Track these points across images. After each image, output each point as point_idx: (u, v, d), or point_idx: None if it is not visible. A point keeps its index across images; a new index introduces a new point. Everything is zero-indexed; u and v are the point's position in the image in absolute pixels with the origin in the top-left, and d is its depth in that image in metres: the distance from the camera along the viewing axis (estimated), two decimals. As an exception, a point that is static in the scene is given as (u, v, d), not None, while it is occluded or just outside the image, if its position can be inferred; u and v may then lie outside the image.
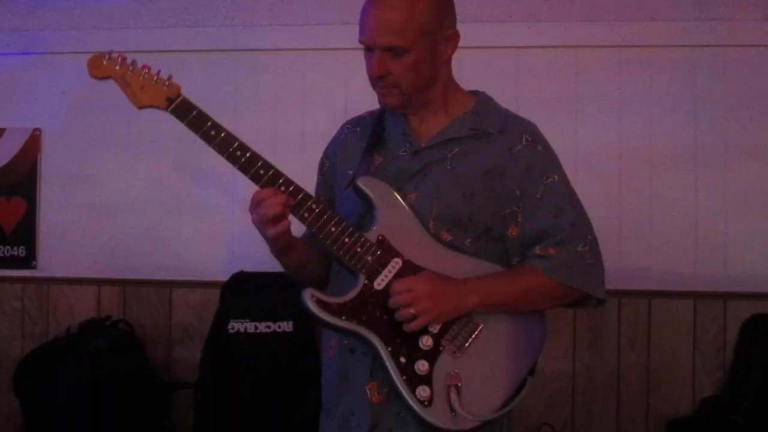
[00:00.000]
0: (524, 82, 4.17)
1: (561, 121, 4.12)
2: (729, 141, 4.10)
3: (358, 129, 2.70)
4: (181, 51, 4.32)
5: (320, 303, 2.40)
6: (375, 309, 2.41)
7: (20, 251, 4.48)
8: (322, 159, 2.76)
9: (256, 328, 4.09)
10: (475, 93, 2.66)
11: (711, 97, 4.12)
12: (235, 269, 4.19)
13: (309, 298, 2.39)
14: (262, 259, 4.13)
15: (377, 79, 2.47)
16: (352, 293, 2.43)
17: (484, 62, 4.04)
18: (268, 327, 4.09)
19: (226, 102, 4.29)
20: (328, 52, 4.26)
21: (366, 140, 2.62)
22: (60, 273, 4.47)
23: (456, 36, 2.52)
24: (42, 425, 4.05)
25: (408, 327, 2.38)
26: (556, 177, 2.54)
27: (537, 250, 2.49)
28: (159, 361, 4.32)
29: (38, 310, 4.44)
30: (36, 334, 4.40)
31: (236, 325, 4.09)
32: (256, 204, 2.41)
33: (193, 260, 4.37)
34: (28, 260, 4.48)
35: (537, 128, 2.61)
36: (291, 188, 2.41)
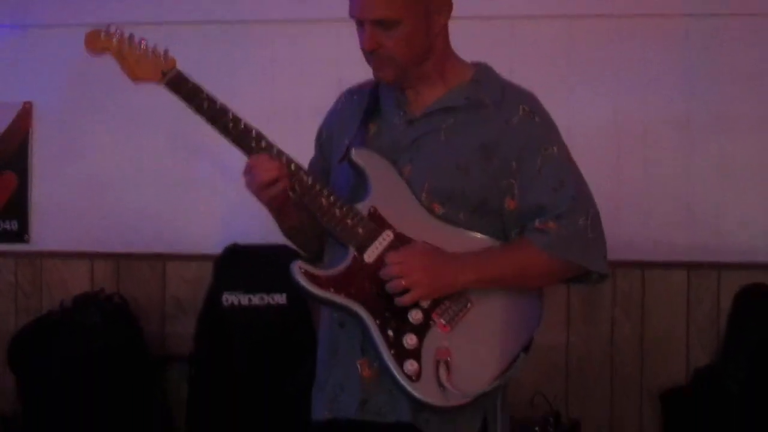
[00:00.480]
0: (518, 52, 4.15)
1: (555, 92, 4.06)
2: (723, 111, 4.10)
3: (355, 97, 2.63)
4: (174, 23, 4.29)
5: (308, 275, 2.36)
6: (364, 282, 2.36)
7: (12, 225, 4.47)
8: (319, 129, 2.72)
9: (249, 300, 4.09)
10: (476, 64, 2.57)
11: (705, 67, 4.11)
12: (229, 242, 4.18)
13: (297, 270, 2.36)
14: (255, 232, 4.19)
15: (369, 54, 2.42)
16: (342, 266, 2.38)
17: (477, 32, 4.01)
18: (262, 299, 4.09)
19: (220, 74, 4.23)
20: (323, 24, 4.24)
21: (363, 110, 2.56)
22: (53, 247, 4.46)
23: (448, 3, 2.46)
24: (37, 399, 4.06)
25: (399, 301, 2.34)
26: (555, 149, 2.46)
27: (536, 223, 2.41)
28: (153, 334, 4.32)
29: (31, 285, 4.44)
30: (30, 309, 4.39)
31: (230, 298, 4.09)
32: (248, 169, 2.39)
33: (187, 234, 4.36)
34: (21, 234, 4.47)
35: (536, 98, 2.53)
36: (284, 158, 2.39)
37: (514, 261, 2.42)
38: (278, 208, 2.49)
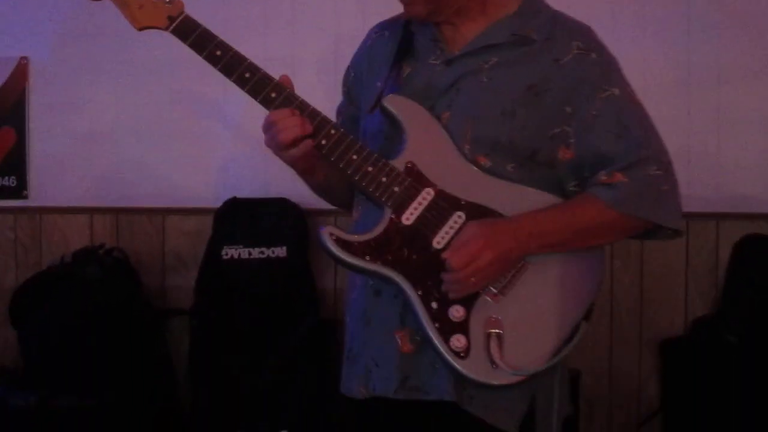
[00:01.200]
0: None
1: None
2: (723, 63, 4.07)
3: (386, 33, 2.37)
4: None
5: (340, 242, 2.12)
6: (402, 247, 2.12)
7: (11, 181, 4.46)
8: (347, 70, 2.46)
9: (249, 254, 4.09)
10: None
11: (704, 18, 4.07)
12: (228, 195, 4.18)
13: (327, 237, 2.12)
14: (255, 185, 4.19)
15: None
16: (377, 229, 2.13)
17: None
18: (262, 253, 4.09)
19: (214, 28, 4.22)
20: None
21: (395, 47, 2.30)
22: (52, 202, 4.45)
23: None
24: (38, 353, 4.07)
25: (457, 295, 2.11)
26: (616, 90, 2.19)
27: (602, 176, 2.15)
28: (153, 288, 4.33)
29: (31, 240, 4.44)
30: (29, 264, 4.40)
31: (230, 252, 4.10)
32: (268, 126, 2.16)
33: (186, 187, 4.35)
34: (20, 190, 4.47)
35: (592, 32, 2.26)
36: (307, 111, 2.15)
37: (579, 221, 2.16)
38: (303, 168, 2.27)
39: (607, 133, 2.16)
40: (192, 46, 2.17)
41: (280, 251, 4.09)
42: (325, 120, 2.17)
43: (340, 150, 2.15)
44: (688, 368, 3.92)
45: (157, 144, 4.37)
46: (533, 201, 2.16)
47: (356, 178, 2.16)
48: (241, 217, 4.15)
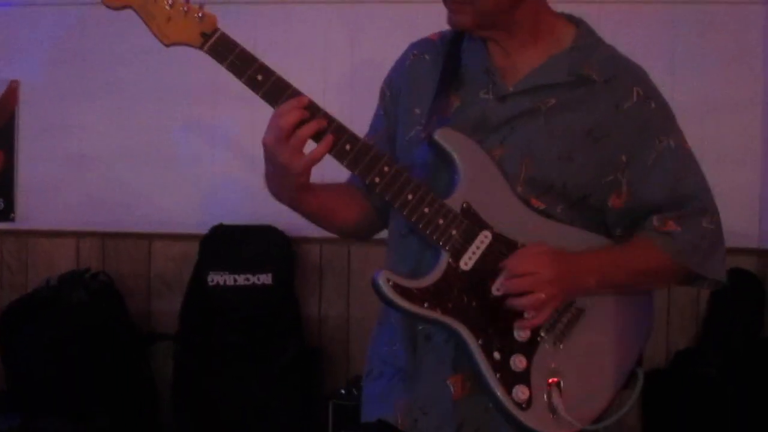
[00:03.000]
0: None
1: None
2: (707, 97, 4.11)
3: (427, 57, 2.24)
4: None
5: (398, 288, 2.00)
6: (461, 294, 2.02)
7: (-1, 203, 4.47)
8: (382, 89, 2.32)
9: (235, 280, 4.10)
10: (571, 19, 2.22)
11: (690, 53, 4.12)
12: (215, 221, 4.19)
13: (384, 282, 1.99)
14: (242, 212, 4.20)
15: None
16: (435, 274, 2.02)
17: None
18: (248, 279, 4.10)
19: (203, 57, 4.26)
20: (308, 6, 4.21)
21: (438, 73, 2.18)
22: (39, 225, 4.46)
23: None
24: (22, 377, 4.07)
25: (528, 324, 2.03)
26: (672, 142, 2.14)
27: (655, 222, 2.12)
28: (139, 312, 4.33)
29: (18, 262, 4.44)
30: (16, 286, 4.40)
31: (216, 278, 4.11)
32: (274, 117, 1.98)
33: (173, 212, 4.37)
34: (7, 212, 4.47)
35: (648, 77, 2.19)
36: (358, 146, 2.00)
37: (636, 264, 2.12)
38: (301, 183, 2.05)
39: (662, 186, 2.13)
40: (230, 68, 1.98)
41: (266, 278, 4.10)
42: (378, 155, 2.02)
43: (396, 188, 2.02)
44: (668, 400, 3.93)
45: (145, 169, 4.38)
46: (588, 243, 2.13)
47: (413, 219, 2.04)
48: (227, 243, 4.17)
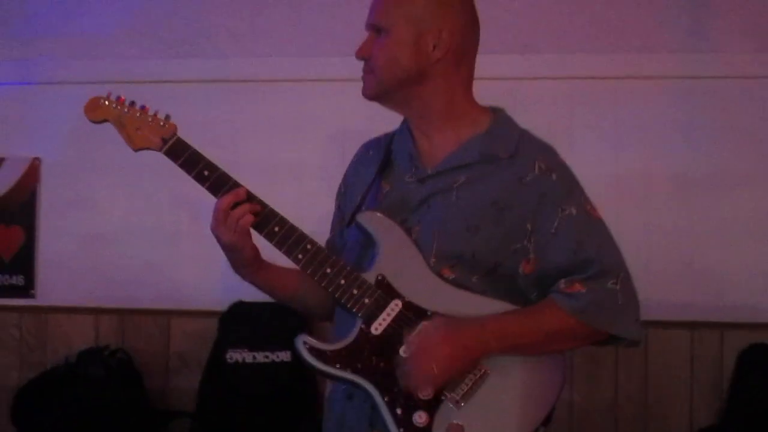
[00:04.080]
0: (519, 113, 4.13)
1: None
2: (724, 170, 4.12)
3: (371, 152, 2.54)
4: (179, 81, 4.35)
5: (313, 351, 2.27)
6: (371, 356, 2.25)
7: (19, 280, 4.49)
8: (339, 187, 2.62)
9: (254, 358, 4.09)
10: (494, 110, 2.46)
11: (705, 128, 4.14)
12: (234, 298, 4.19)
13: (302, 345, 2.28)
14: (260, 289, 4.19)
15: (361, 61, 2.38)
16: (348, 339, 2.28)
17: (478, 94, 4.05)
18: (267, 357, 4.09)
19: (223, 132, 4.31)
20: (325, 83, 4.28)
21: (376, 165, 2.46)
22: (58, 302, 4.47)
23: (451, 39, 2.33)
24: (40, 454, 4.06)
25: (423, 395, 2.21)
26: (573, 210, 2.31)
27: (562, 285, 2.27)
28: (157, 390, 4.31)
29: (36, 339, 4.44)
30: (34, 363, 4.39)
31: (234, 355, 4.09)
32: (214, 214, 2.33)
33: (192, 289, 4.37)
34: (27, 289, 4.49)
35: (554, 151, 2.40)
36: (285, 228, 2.31)
37: (540, 326, 2.27)
38: (252, 258, 2.40)
39: (566, 249, 2.28)
40: (182, 166, 2.35)
41: (284, 355, 4.08)
42: (302, 236, 2.32)
43: (315, 263, 2.30)
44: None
45: (164, 245, 4.40)
46: (494, 311, 2.28)
47: (330, 290, 2.30)
48: (246, 320, 4.16)
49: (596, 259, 2.29)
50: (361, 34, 2.42)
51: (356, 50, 2.37)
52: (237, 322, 4.16)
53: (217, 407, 4.09)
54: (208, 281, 4.35)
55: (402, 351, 2.25)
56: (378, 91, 2.37)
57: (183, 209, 4.37)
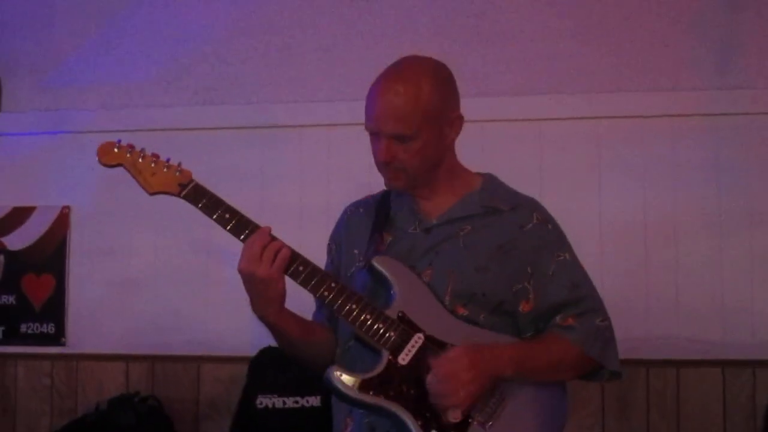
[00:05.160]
0: (548, 153, 4.19)
1: (585, 191, 4.14)
2: (753, 208, 4.11)
3: (361, 210, 2.74)
4: (208, 128, 4.40)
5: (346, 380, 2.42)
6: (401, 384, 2.41)
7: (50, 328, 4.51)
8: (328, 244, 2.79)
9: (284, 403, 4.08)
10: (481, 174, 2.70)
11: (734, 165, 4.13)
12: (264, 344, 4.17)
13: (334, 375, 2.41)
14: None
15: (384, 164, 2.52)
16: (378, 369, 2.43)
17: (507, 134, 4.07)
18: (297, 402, 4.08)
19: (252, 177, 4.35)
20: (352, 127, 4.28)
21: (372, 220, 2.66)
22: (89, 349, 4.49)
23: (459, 119, 2.56)
24: (71, 502, 4.06)
25: (452, 417, 2.38)
26: (567, 256, 2.60)
27: (558, 319, 2.54)
28: (187, 436, 4.32)
29: (67, 387, 4.46)
30: (65, 411, 4.41)
31: (264, 401, 4.09)
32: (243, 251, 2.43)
33: (222, 335, 4.38)
34: (58, 337, 4.52)
35: (543, 207, 2.66)
36: (310, 267, 2.45)
37: (549, 354, 2.50)
38: (281, 294, 2.46)
39: (563, 288, 2.55)
40: (203, 209, 2.48)
41: (314, 401, 4.08)
42: (326, 275, 2.47)
43: (341, 300, 2.44)
44: None
45: (193, 291, 4.42)
46: (505, 342, 2.51)
47: (356, 325, 2.45)
48: (276, 365, 4.15)
49: (588, 296, 2.58)
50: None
51: (379, 156, 2.51)
52: (266, 368, 4.16)
53: (248, 452, 4.08)
54: (237, 326, 4.36)
55: (429, 378, 2.38)
56: (409, 185, 2.58)
57: (212, 255, 4.39)
